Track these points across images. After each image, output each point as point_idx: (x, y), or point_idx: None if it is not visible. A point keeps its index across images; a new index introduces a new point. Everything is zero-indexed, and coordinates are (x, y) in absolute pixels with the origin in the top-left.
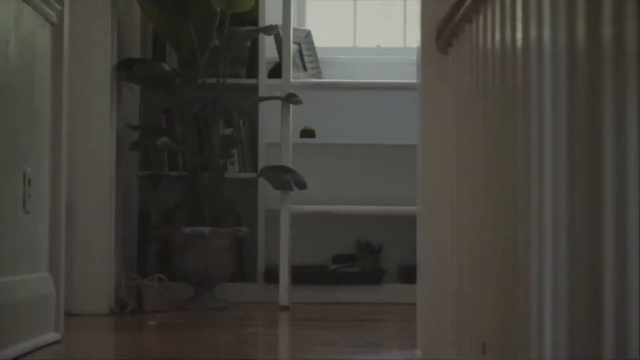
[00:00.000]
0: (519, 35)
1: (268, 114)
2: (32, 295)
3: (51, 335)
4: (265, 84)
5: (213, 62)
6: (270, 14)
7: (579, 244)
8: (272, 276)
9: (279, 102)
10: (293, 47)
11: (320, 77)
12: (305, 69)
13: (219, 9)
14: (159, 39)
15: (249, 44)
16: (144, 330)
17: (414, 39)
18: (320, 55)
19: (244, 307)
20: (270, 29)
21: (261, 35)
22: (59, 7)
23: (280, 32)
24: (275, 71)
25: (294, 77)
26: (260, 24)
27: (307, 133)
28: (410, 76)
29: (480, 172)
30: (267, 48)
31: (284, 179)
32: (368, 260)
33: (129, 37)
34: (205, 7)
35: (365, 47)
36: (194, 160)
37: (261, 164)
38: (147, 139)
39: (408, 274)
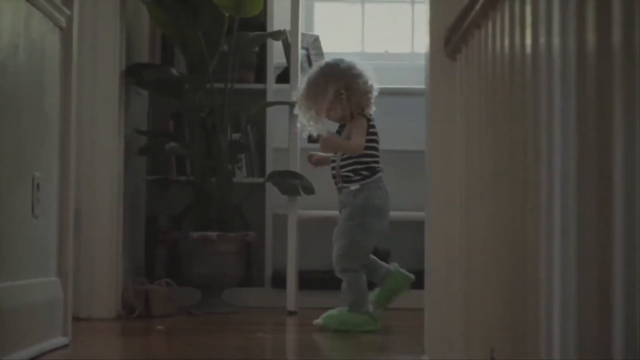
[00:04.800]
0: (528, 41)
1: (276, 119)
2: (40, 300)
3: (59, 340)
4: (273, 89)
5: (221, 67)
6: (279, 19)
7: (588, 247)
8: (279, 281)
9: (286, 107)
10: (301, 52)
11: None
12: None
13: (227, 14)
14: (167, 44)
15: (257, 49)
16: (151, 335)
17: (422, 44)
18: None
19: (252, 312)
20: (278, 34)
21: (269, 41)
22: (68, 12)
23: (289, 37)
24: (283, 76)
25: (302, 82)
26: (269, 29)
27: (315, 138)
28: (419, 82)
29: (488, 177)
30: (275, 53)
31: (292, 184)
32: None
33: (138, 42)
34: (213, 12)
35: (373, 52)
36: (202, 165)
37: (269, 169)
38: (155, 144)
39: (416, 279)
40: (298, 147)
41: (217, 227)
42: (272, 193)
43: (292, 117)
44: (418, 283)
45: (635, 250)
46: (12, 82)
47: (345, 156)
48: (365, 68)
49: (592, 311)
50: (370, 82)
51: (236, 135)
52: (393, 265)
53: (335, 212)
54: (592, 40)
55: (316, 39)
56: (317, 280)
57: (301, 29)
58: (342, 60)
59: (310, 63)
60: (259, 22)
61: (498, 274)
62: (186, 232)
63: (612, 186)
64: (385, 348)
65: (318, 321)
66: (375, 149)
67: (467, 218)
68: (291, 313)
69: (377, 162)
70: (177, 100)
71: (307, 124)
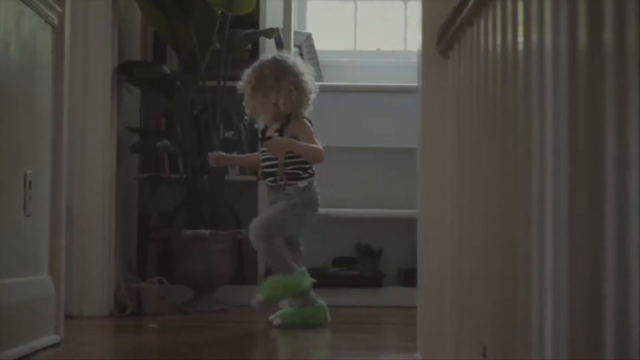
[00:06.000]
0: (520, 39)
1: None
2: (32, 298)
3: (51, 338)
4: None
5: (213, 65)
6: (271, 17)
7: (580, 246)
8: None
9: None
10: (294, 50)
11: (321, 80)
12: None
13: (219, 12)
14: (159, 42)
15: (249, 46)
16: (143, 333)
17: (415, 42)
18: (320, 58)
19: (244, 309)
20: (270, 32)
21: (262, 38)
22: (59, 10)
23: (281, 35)
24: None
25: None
26: (261, 27)
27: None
28: (411, 79)
29: (480, 175)
30: (268, 51)
31: None
32: (368, 263)
33: (130, 40)
34: (205, 10)
35: (365, 50)
36: (194, 163)
37: None
38: (147, 142)
39: (408, 277)
40: None
41: (209, 225)
42: (264, 191)
43: None
44: (410, 281)
45: (627, 249)
46: (4, 80)
47: (290, 154)
48: (306, 70)
49: (584, 310)
50: (311, 84)
51: (228, 133)
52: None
53: (327, 210)
54: (583, 38)
55: (309, 37)
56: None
57: (294, 26)
58: (288, 57)
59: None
60: (252, 20)
61: (490, 272)
62: (178, 230)
63: (604, 184)
64: (377, 346)
65: (277, 321)
66: None
67: (459, 216)
68: None
69: None
70: (169, 98)
71: (255, 115)
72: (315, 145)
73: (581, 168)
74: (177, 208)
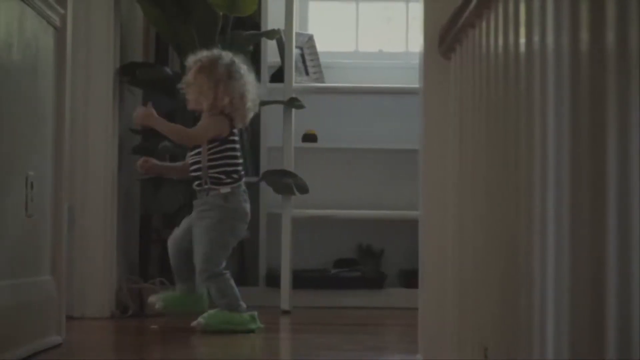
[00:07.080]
0: (522, 40)
1: (270, 118)
2: (33, 299)
3: (53, 339)
4: (267, 88)
5: None
6: (273, 18)
7: (581, 247)
8: (273, 280)
9: (281, 107)
10: (295, 51)
11: (322, 82)
12: (307, 73)
13: (221, 13)
14: (161, 43)
15: (251, 48)
16: (145, 334)
17: (417, 43)
18: (322, 59)
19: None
20: (272, 33)
21: (263, 40)
22: (62, 11)
23: (283, 37)
24: (278, 75)
25: (296, 81)
26: (263, 28)
27: (309, 137)
28: (413, 81)
29: (482, 177)
30: (270, 52)
31: (286, 183)
32: (369, 264)
33: (132, 41)
34: (207, 11)
35: (367, 51)
36: None
37: (263, 168)
38: (149, 143)
39: (409, 279)
40: (292, 147)
41: None
42: (266, 192)
43: (287, 116)
44: (412, 282)
45: (629, 250)
46: (6, 81)
47: (213, 157)
48: (251, 89)
49: (585, 311)
50: (249, 103)
51: None
52: (203, 291)
53: (329, 211)
54: (586, 39)
55: (310, 38)
56: (311, 280)
57: (295, 28)
58: (240, 67)
59: (304, 62)
60: (253, 21)
61: (491, 273)
62: None
63: (606, 185)
64: (378, 347)
65: (200, 321)
66: (239, 153)
67: (460, 217)
68: (285, 312)
69: (241, 165)
70: (171, 99)
71: (185, 94)
72: (178, 126)
73: (583, 169)
74: (179, 209)
